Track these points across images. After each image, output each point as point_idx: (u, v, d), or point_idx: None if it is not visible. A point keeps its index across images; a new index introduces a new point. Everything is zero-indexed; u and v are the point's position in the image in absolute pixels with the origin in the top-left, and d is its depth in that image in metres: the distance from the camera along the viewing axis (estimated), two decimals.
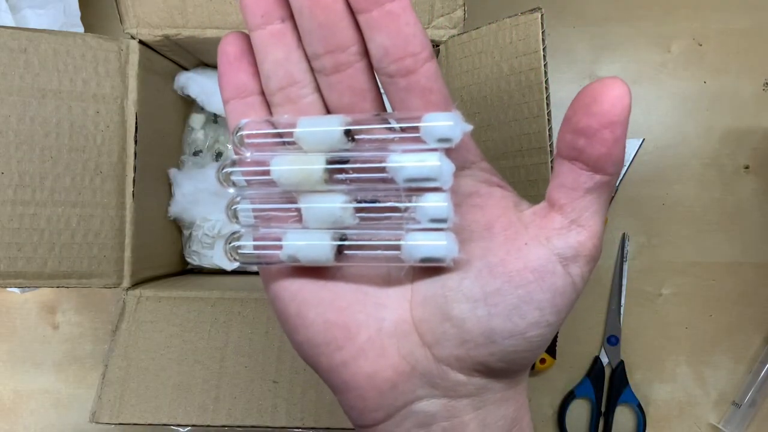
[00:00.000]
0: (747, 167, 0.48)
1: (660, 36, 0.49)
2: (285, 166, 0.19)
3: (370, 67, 0.20)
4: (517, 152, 0.33)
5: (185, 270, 0.47)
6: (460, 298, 0.19)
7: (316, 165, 0.19)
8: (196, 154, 0.48)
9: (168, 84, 0.44)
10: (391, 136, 0.19)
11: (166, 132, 0.44)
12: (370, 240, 0.20)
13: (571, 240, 0.19)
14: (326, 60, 0.20)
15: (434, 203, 0.19)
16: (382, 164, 0.19)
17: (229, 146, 0.46)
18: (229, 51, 0.21)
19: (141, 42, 0.37)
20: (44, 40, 0.34)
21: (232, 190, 0.21)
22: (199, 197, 0.44)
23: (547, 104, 0.31)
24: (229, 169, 0.20)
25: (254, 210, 0.21)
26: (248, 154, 0.20)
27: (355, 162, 0.19)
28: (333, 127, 0.19)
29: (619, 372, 0.46)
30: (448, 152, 0.19)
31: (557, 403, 0.47)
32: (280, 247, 0.20)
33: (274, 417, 0.34)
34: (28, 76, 0.34)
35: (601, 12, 0.49)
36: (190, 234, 0.46)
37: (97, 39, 0.36)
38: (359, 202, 0.19)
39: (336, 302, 0.20)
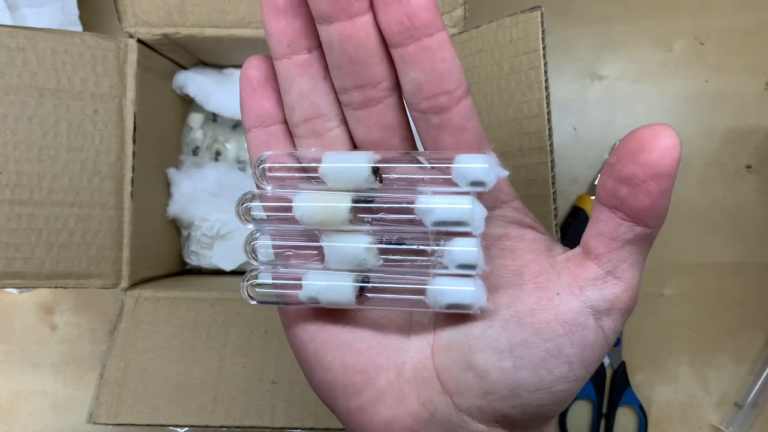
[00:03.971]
0: (749, 167, 0.48)
1: (661, 35, 0.49)
2: (308, 203, 0.19)
3: (401, 102, 0.19)
4: (517, 152, 0.33)
5: (184, 270, 0.47)
6: (484, 347, 0.18)
7: (342, 203, 0.19)
8: (194, 153, 0.47)
9: (167, 83, 0.44)
10: (421, 176, 0.19)
11: (165, 131, 0.44)
12: (393, 283, 0.19)
13: (606, 292, 0.18)
14: (355, 95, 0.19)
15: (463, 248, 0.18)
16: (411, 205, 0.18)
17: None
18: (252, 76, 0.20)
19: (139, 41, 0.37)
20: (42, 38, 0.34)
21: (251, 226, 0.20)
22: (198, 197, 0.44)
23: (547, 103, 0.31)
24: (250, 204, 0.20)
25: (274, 247, 0.20)
26: (269, 189, 0.20)
27: (382, 202, 0.19)
28: (360, 164, 0.19)
29: (621, 373, 0.46)
30: (480, 193, 0.18)
31: None
32: (299, 287, 0.19)
33: (273, 417, 0.34)
34: (26, 75, 0.34)
35: (602, 11, 0.49)
36: (189, 234, 0.46)
37: (96, 38, 0.36)
38: (384, 243, 0.19)
39: (355, 345, 0.20)
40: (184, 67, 0.45)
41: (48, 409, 0.47)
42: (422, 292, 0.19)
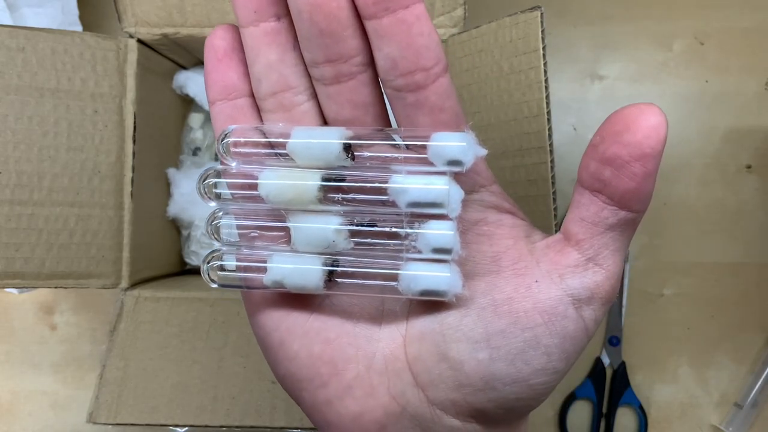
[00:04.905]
0: (749, 167, 0.48)
1: (661, 35, 0.48)
2: (275, 181, 0.18)
3: (376, 79, 0.18)
4: (516, 152, 0.33)
5: (184, 270, 0.47)
6: (459, 337, 0.17)
7: (310, 182, 0.17)
8: (194, 153, 0.47)
9: (167, 83, 0.44)
10: (396, 155, 0.18)
11: (165, 131, 0.44)
12: (364, 268, 0.18)
13: (587, 280, 0.17)
14: (326, 69, 0.18)
15: (439, 231, 0.17)
16: (384, 185, 0.17)
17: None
18: (218, 46, 0.19)
19: (139, 41, 0.37)
20: (42, 38, 0.34)
21: (213, 204, 0.19)
22: (198, 197, 0.44)
23: (547, 103, 0.31)
24: (212, 180, 0.18)
25: (238, 227, 0.19)
26: (234, 165, 0.19)
27: (354, 181, 0.17)
28: (331, 140, 0.17)
29: (621, 373, 0.46)
30: (457, 175, 0.17)
31: (558, 404, 0.47)
32: (264, 271, 0.18)
33: (273, 417, 0.34)
34: (26, 75, 0.34)
35: (602, 10, 0.49)
36: (189, 234, 0.46)
37: (96, 38, 0.36)
38: (355, 225, 0.18)
39: (323, 334, 0.19)
40: (184, 67, 0.45)
41: (48, 409, 0.47)
42: (395, 277, 0.17)
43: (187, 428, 0.37)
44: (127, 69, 0.37)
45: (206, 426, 0.34)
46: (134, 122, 0.37)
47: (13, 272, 0.34)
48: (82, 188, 0.36)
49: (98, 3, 0.47)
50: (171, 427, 0.36)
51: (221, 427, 0.34)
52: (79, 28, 0.44)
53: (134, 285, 0.38)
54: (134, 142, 0.37)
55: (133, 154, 0.37)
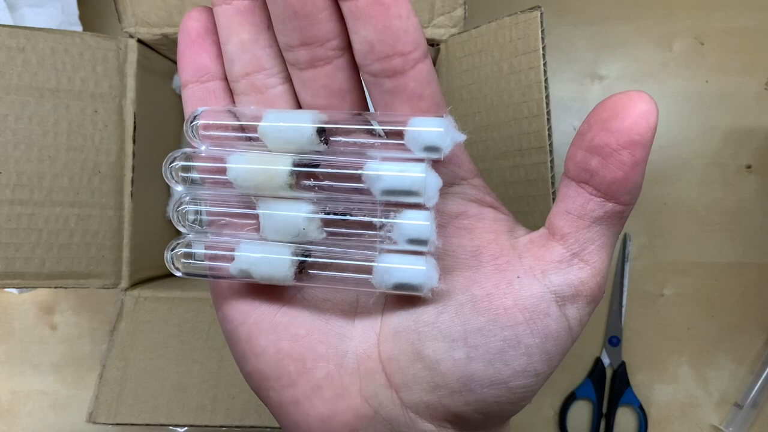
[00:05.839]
0: (749, 167, 0.48)
1: (661, 35, 0.48)
2: (244, 165, 0.17)
3: (353, 65, 0.17)
4: (516, 152, 0.33)
5: None
6: (435, 335, 0.16)
7: (281, 166, 0.17)
8: None
9: (166, 83, 0.44)
10: (371, 140, 0.17)
11: (165, 131, 0.44)
12: (337, 259, 0.17)
13: (571, 276, 0.16)
14: (300, 53, 0.17)
15: (414, 221, 0.16)
16: (358, 171, 0.16)
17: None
18: (191, 27, 0.18)
19: (139, 41, 0.37)
20: (42, 38, 0.34)
21: (180, 188, 0.18)
22: None
23: (547, 103, 0.31)
24: (180, 164, 0.18)
25: (206, 214, 0.18)
26: (203, 148, 0.18)
27: (327, 167, 0.17)
28: (304, 123, 0.17)
29: (621, 373, 0.46)
30: (437, 166, 0.17)
31: (558, 404, 0.47)
32: (231, 259, 0.17)
33: (273, 417, 0.34)
34: (26, 75, 0.34)
35: (602, 10, 0.49)
36: None
37: (96, 38, 0.36)
38: (328, 213, 0.17)
39: (292, 329, 0.18)
40: None
41: (48, 409, 0.47)
42: (369, 270, 0.17)
43: (187, 428, 0.37)
44: (127, 69, 0.37)
45: (206, 426, 0.34)
46: (134, 122, 0.37)
47: (13, 272, 0.34)
48: (82, 188, 0.36)
49: (98, 3, 0.47)
50: (171, 427, 0.36)
51: (221, 427, 0.34)
52: (79, 28, 0.44)
53: (134, 285, 0.38)
54: (134, 142, 0.37)
55: (133, 154, 0.37)
